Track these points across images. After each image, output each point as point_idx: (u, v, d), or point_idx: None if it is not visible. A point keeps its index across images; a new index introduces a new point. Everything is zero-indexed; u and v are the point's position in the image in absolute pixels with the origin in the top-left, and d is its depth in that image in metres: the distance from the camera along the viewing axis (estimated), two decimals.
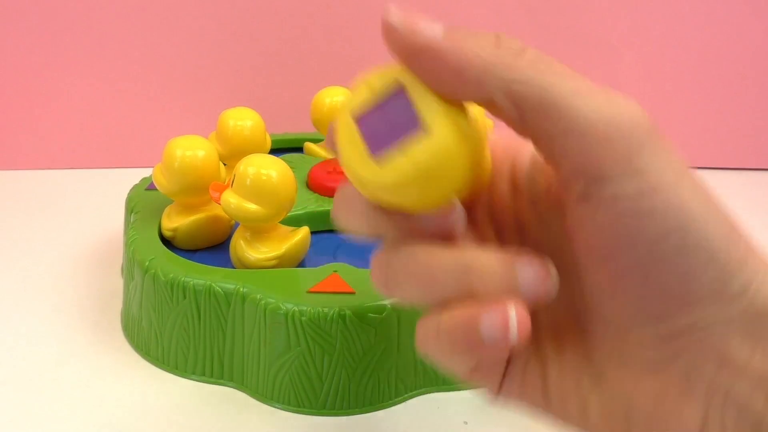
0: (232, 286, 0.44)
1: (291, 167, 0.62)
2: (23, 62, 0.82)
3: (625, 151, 0.25)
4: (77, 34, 0.82)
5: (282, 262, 0.48)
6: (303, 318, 0.42)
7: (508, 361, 0.30)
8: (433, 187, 0.26)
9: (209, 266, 0.46)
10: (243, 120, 0.56)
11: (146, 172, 0.61)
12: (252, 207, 0.46)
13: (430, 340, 0.27)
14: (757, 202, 0.79)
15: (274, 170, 0.46)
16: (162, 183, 0.50)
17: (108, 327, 0.52)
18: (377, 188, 0.26)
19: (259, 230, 0.47)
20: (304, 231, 0.49)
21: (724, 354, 0.25)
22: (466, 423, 0.43)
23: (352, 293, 0.43)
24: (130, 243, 0.50)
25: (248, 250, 0.47)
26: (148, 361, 0.48)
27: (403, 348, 0.44)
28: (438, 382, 0.45)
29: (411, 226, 0.28)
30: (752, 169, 0.89)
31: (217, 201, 0.47)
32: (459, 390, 0.46)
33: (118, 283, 0.57)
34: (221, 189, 0.47)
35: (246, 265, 0.47)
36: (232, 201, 0.45)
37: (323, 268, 0.46)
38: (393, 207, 0.27)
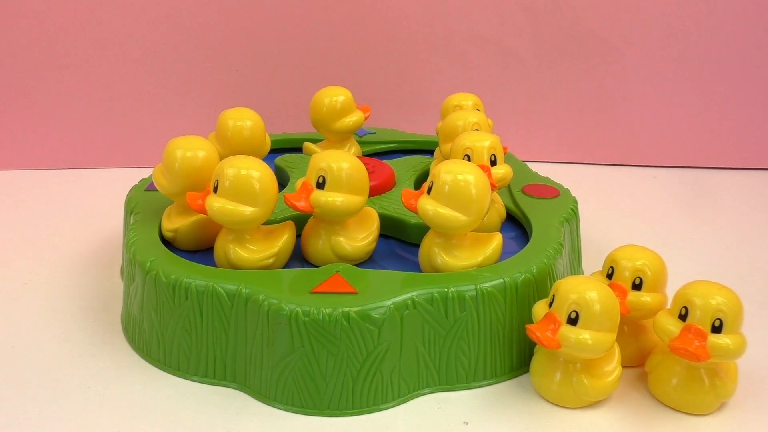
0: (234, 287, 0.44)
1: (290, 167, 0.63)
2: (23, 62, 0.82)
3: None
4: (77, 35, 0.82)
5: (278, 260, 0.48)
6: (306, 318, 0.42)
7: None
8: None
9: (211, 267, 0.46)
10: (243, 120, 0.56)
11: (146, 172, 0.61)
12: (248, 210, 0.45)
13: None
14: (757, 202, 0.79)
15: (256, 170, 0.46)
16: (162, 184, 0.50)
17: (108, 328, 0.52)
18: None
19: (244, 231, 0.47)
20: (289, 226, 0.49)
21: None
22: (466, 423, 0.43)
23: (355, 293, 0.43)
24: (130, 244, 0.50)
25: (240, 251, 0.47)
26: (150, 362, 0.48)
27: (406, 348, 0.44)
28: (439, 381, 0.45)
29: None
30: (752, 169, 0.89)
31: (202, 210, 0.46)
32: (459, 390, 0.46)
33: (118, 284, 0.57)
34: (203, 197, 0.46)
35: (239, 266, 0.47)
36: (229, 207, 0.45)
37: (326, 268, 0.46)
38: None
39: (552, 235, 0.51)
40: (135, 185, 0.60)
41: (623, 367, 0.45)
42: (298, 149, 0.69)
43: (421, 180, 0.62)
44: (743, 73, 0.86)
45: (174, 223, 0.51)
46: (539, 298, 0.46)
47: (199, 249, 0.52)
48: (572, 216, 0.56)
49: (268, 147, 0.58)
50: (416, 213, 0.46)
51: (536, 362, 0.45)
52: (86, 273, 0.60)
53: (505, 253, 0.50)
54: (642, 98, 0.88)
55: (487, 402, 0.45)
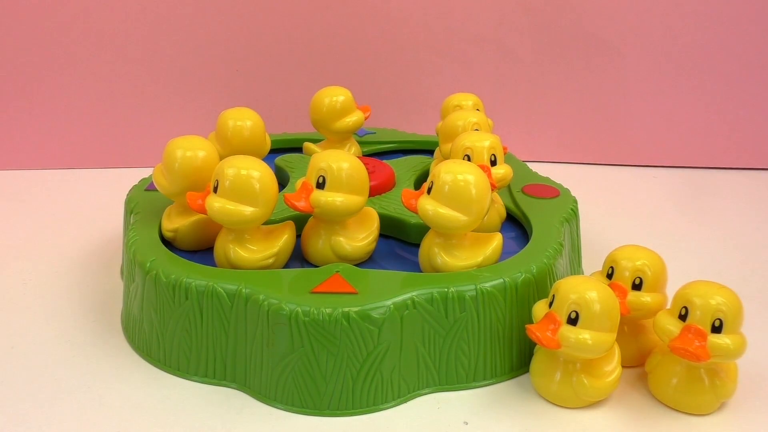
0: (234, 287, 0.44)
1: (290, 167, 0.63)
2: (23, 62, 0.82)
3: None
4: (77, 35, 0.82)
5: (278, 260, 0.48)
6: (306, 318, 0.42)
7: None
8: None
9: (211, 267, 0.46)
10: (243, 120, 0.56)
11: (146, 172, 0.61)
12: (248, 210, 0.45)
13: None
14: (757, 202, 0.79)
15: (256, 170, 0.46)
16: (162, 184, 0.50)
17: (108, 328, 0.52)
18: None
19: (244, 231, 0.47)
20: (289, 226, 0.49)
21: None
22: (466, 423, 0.43)
23: (355, 293, 0.43)
24: (130, 244, 0.50)
25: (240, 251, 0.47)
26: (150, 362, 0.48)
27: (406, 348, 0.44)
28: (439, 381, 0.45)
29: None
30: (752, 169, 0.89)
31: (202, 210, 0.46)
32: (459, 390, 0.46)
33: (118, 284, 0.57)
34: (203, 197, 0.46)
35: (239, 266, 0.47)
36: (229, 207, 0.45)
37: (326, 268, 0.46)
38: None
39: (552, 235, 0.51)
40: (135, 185, 0.60)
41: (623, 367, 0.45)
42: (298, 149, 0.69)
43: (421, 180, 0.62)
44: (743, 73, 0.86)
45: (174, 223, 0.51)
46: (539, 298, 0.46)
47: (199, 249, 0.52)
48: (572, 216, 0.56)
49: (268, 147, 0.58)
50: (416, 213, 0.46)
51: (536, 362, 0.45)
52: (86, 273, 0.60)
53: (505, 253, 0.50)
54: (642, 98, 0.88)
55: (487, 402, 0.45)
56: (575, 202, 0.58)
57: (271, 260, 0.47)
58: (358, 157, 0.56)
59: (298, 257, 0.51)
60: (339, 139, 0.64)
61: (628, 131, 0.89)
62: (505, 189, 0.60)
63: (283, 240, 0.48)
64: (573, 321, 0.42)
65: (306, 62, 0.85)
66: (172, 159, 0.49)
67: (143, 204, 0.56)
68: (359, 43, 0.85)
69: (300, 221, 0.51)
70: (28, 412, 0.43)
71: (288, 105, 0.85)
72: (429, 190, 0.46)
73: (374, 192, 0.57)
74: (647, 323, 0.48)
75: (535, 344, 0.46)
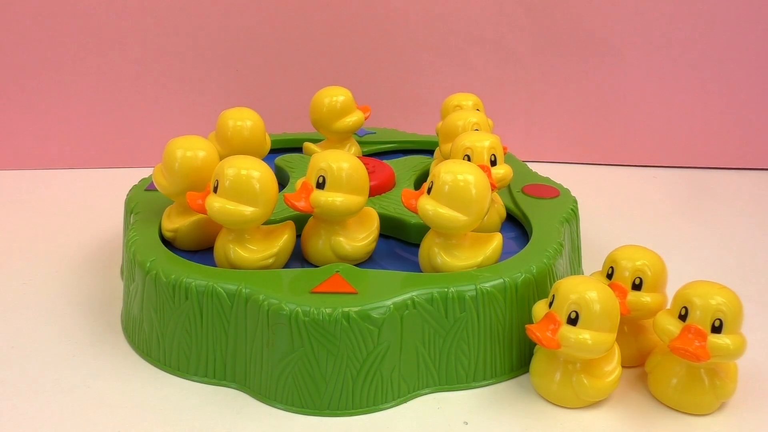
0: (234, 287, 0.44)
1: (290, 167, 0.63)
2: (23, 62, 0.82)
3: None
4: (77, 35, 0.82)
5: (278, 260, 0.48)
6: (306, 318, 0.42)
7: None
8: None
9: (211, 267, 0.46)
10: (243, 120, 0.56)
11: (146, 172, 0.61)
12: (248, 210, 0.45)
13: None
14: (757, 202, 0.79)
15: (256, 170, 0.46)
16: (162, 184, 0.50)
17: (108, 328, 0.52)
18: None
19: (244, 231, 0.47)
20: (289, 226, 0.49)
21: None
22: (466, 423, 0.43)
23: (355, 293, 0.43)
24: (130, 244, 0.50)
25: (240, 251, 0.47)
26: (149, 362, 0.48)
27: (405, 348, 0.44)
28: (439, 381, 0.45)
29: None
30: (752, 169, 0.89)
31: (202, 210, 0.46)
32: (459, 390, 0.46)
33: (118, 284, 0.57)
34: (203, 197, 0.46)
35: (239, 266, 0.47)
36: (229, 207, 0.45)
37: (326, 268, 0.46)
38: None
39: (552, 235, 0.51)
40: (135, 185, 0.60)
41: (623, 367, 0.45)
42: (298, 149, 0.69)
43: (421, 180, 0.62)
44: (743, 73, 0.86)
45: (174, 223, 0.51)
46: (539, 298, 0.46)
47: (199, 249, 0.52)
48: (572, 216, 0.56)
49: (268, 147, 0.58)
50: (416, 213, 0.46)
51: (536, 362, 0.45)
52: (86, 273, 0.60)
53: (505, 253, 0.50)
54: (642, 98, 0.88)
55: (487, 402, 0.45)
56: (575, 202, 0.58)
57: (271, 260, 0.47)
58: (358, 157, 0.56)
59: (298, 257, 0.51)
60: (339, 139, 0.64)
61: (628, 131, 0.89)
62: (505, 189, 0.60)
63: (283, 240, 0.48)
64: (573, 321, 0.42)
65: (306, 62, 0.85)
66: (172, 159, 0.49)
67: (143, 204, 0.56)
68: (359, 43, 0.85)
69: (300, 221, 0.51)
70: (28, 412, 0.43)
71: (288, 105, 0.85)
72: (429, 190, 0.46)
73: (374, 192, 0.57)
74: (647, 323, 0.48)
75: (535, 344, 0.46)
